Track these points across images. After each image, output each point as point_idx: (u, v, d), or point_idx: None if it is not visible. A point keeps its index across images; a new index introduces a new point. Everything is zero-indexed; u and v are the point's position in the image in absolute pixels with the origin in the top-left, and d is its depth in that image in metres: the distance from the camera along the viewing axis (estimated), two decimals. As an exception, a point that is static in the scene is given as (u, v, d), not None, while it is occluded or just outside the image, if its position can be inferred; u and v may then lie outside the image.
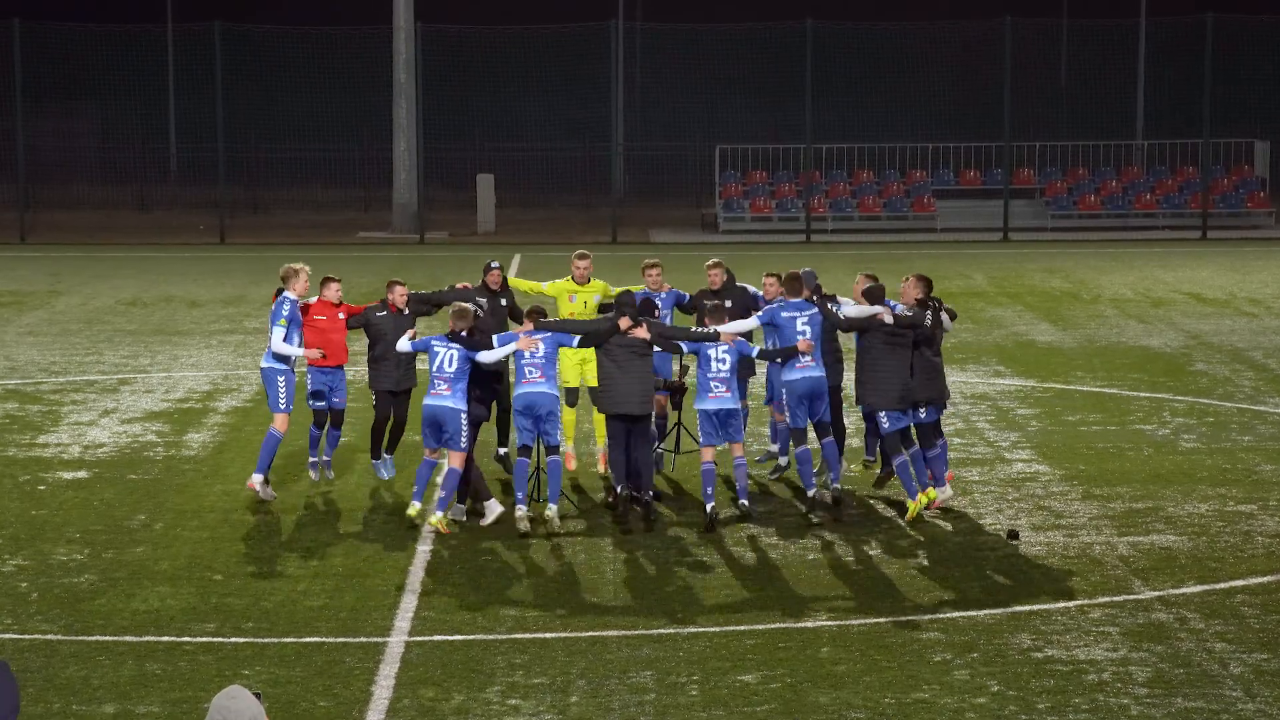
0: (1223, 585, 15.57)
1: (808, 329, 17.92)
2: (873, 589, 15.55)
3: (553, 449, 17.43)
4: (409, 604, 15.10)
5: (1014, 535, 17.17)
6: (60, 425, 22.90)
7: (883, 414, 17.71)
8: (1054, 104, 62.55)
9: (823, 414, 17.92)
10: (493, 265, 19.64)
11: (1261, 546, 16.89)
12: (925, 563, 16.35)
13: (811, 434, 18.43)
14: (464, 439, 17.17)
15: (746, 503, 17.76)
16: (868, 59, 57.22)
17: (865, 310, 17.88)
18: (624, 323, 17.55)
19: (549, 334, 17.59)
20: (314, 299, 18.81)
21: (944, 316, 18.17)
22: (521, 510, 17.34)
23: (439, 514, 17.28)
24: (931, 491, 17.80)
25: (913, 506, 17.62)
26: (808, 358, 17.87)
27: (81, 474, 20.12)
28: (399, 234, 51.26)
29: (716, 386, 17.60)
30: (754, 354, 18.01)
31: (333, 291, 18.87)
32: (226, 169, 51.89)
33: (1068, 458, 20.63)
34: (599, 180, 57.26)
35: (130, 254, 47.06)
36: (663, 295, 19.51)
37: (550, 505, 17.36)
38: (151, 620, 14.66)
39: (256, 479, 18.36)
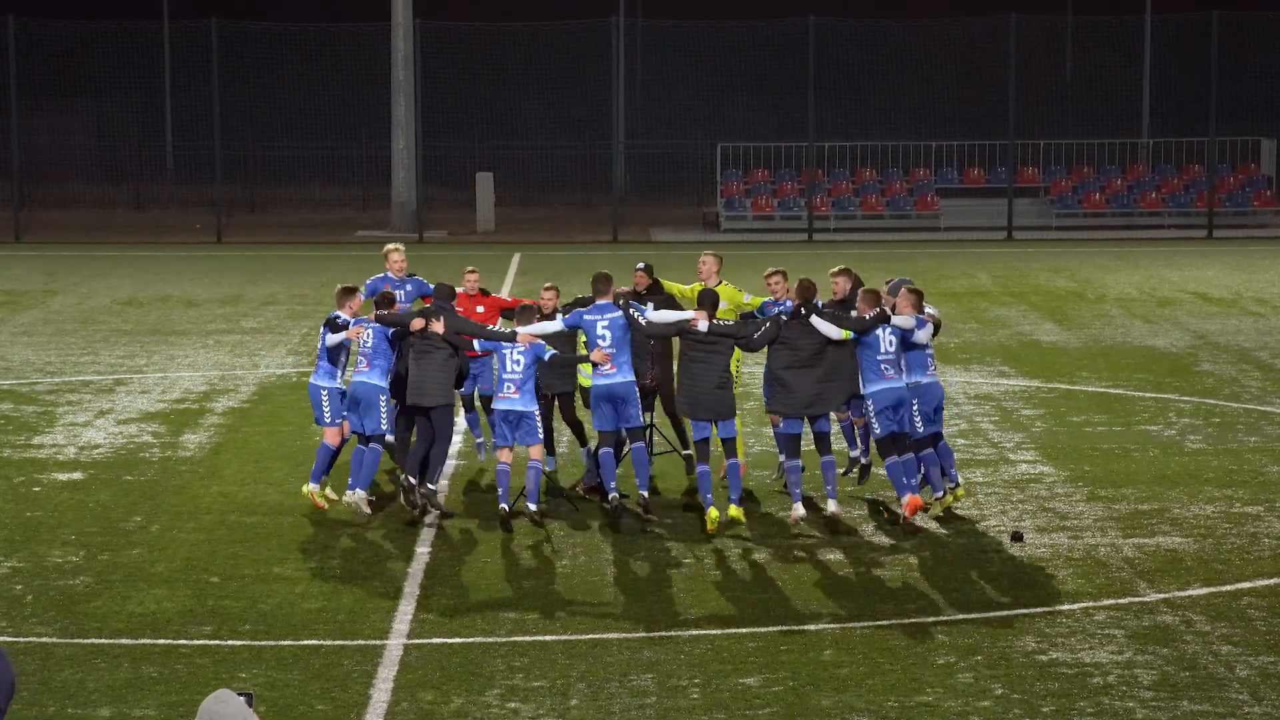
0: (1229, 587, 15.51)
1: (607, 334, 17.57)
2: (875, 591, 15.49)
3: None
4: (407, 607, 15.04)
5: (1018, 537, 17.10)
6: (55, 426, 22.82)
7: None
8: (1059, 102, 62.47)
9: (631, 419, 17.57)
10: (639, 266, 19.24)
11: (1268, 548, 16.82)
12: (928, 565, 16.29)
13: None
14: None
15: (534, 506, 17.37)
16: (871, 56, 57.13)
17: (673, 316, 17.63)
18: (415, 324, 17.55)
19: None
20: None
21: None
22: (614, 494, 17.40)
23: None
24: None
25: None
26: (607, 365, 17.58)
27: (77, 475, 20.04)
28: (397, 233, 51.12)
29: (508, 387, 17.49)
30: (547, 357, 17.69)
31: (471, 282, 19.02)
32: (223, 167, 51.83)
33: (1072, 459, 20.55)
34: (599, 179, 57.19)
35: (126, 253, 47.01)
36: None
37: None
38: (147, 623, 14.61)
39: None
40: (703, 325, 17.41)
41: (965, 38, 59.81)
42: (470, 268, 20.35)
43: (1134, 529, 17.48)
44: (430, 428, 17.73)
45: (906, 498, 17.25)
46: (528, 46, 57.99)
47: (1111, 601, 15.09)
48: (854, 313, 17.73)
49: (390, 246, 20.18)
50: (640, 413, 17.68)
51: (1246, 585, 15.57)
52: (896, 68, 59.31)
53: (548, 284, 19.57)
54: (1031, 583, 15.68)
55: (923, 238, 50.82)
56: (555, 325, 17.87)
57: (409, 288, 19.87)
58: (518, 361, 17.50)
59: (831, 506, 17.49)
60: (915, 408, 17.54)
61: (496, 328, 18.30)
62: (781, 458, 18.06)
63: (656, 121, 62.28)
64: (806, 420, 17.60)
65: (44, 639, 14.18)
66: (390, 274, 19.85)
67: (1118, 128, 57.12)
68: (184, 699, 12.75)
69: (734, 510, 17.35)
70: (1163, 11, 57.72)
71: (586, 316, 17.72)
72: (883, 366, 17.39)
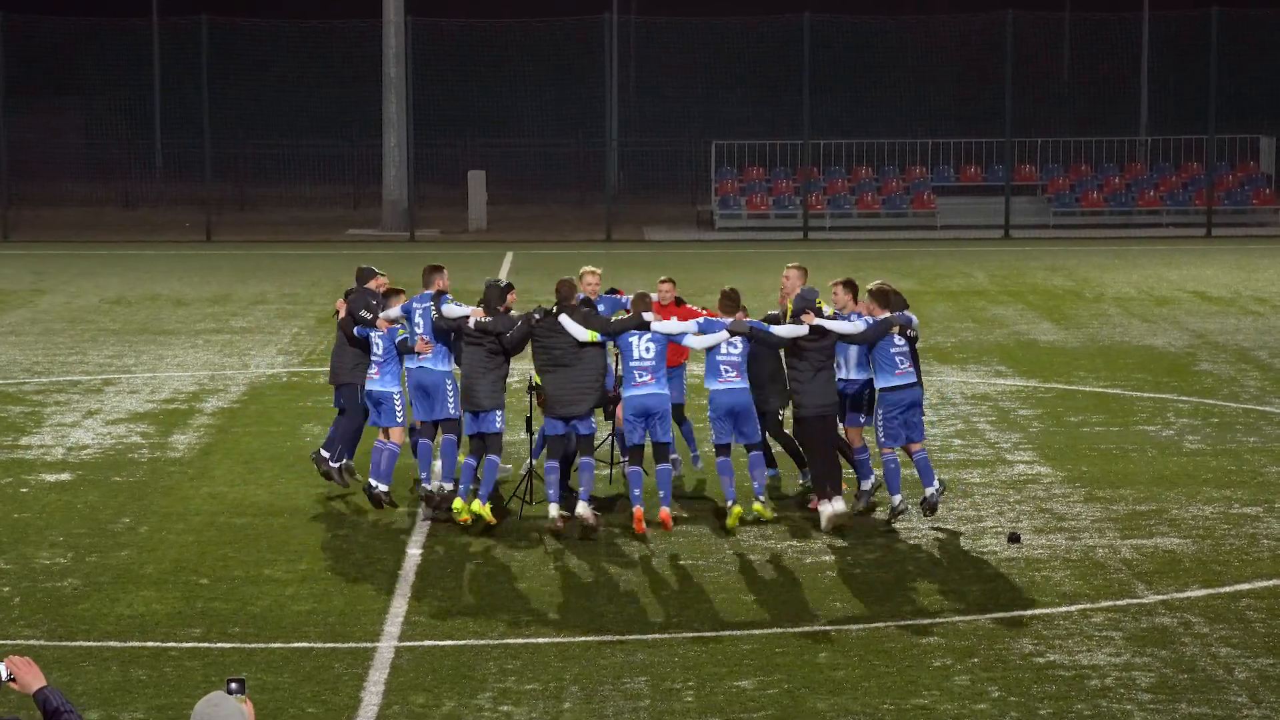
0: (1228, 589, 15.47)
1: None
2: (871, 593, 15.43)
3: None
4: (399, 609, 14.99)
5: (1015, 538, 17.04)
6: (43, 426, 22.72)
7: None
8: (1056, 99, 62.37)
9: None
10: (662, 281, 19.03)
11: (1267, 549, 16.77)
12: (925, 566, 16.25)
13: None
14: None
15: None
16: (866, 53, 57.03)
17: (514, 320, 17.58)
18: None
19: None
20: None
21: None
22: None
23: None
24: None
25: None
26: (424, 356, 17.57)
27: (65, 476, 19.95)
28: (389, 231, 51.03)
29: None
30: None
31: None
32: (213, 165, 51.68)
33: (1070, 459, 20.48)
34: (593, 177, 57.07)
35: (115, 252, 46.89)
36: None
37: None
38: (136, 625, 14.55)
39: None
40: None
41: (962, 34, 59.72)
42: (590, 268, 19.00)
43: (1132, 530, 17.41)
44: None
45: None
46: (520, 43, 57.87)
47: (1109, 603, 15.04)
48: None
49: (586, 269, 18.76)
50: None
51: (1245, 587, 15.52)
52: (892, 64, 59.22)
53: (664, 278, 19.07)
54: (1029, 584, 15.62)
55: (919, 236, 50.76)
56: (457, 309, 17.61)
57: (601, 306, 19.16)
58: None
59: (581, 509, 17.16)
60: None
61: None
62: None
63: (650, 119, 62.13)
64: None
65: (31, 641, 14.09)
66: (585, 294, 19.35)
67: (1116, 125, 57.04)
68: (173, 702, 12.68)
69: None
70: (1161, 8, 57.62)
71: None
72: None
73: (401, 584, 15.67)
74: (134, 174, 59.52)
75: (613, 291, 18.92)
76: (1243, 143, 54.10)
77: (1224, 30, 50.78)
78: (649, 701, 12.75)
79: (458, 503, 17.27)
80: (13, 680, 7.86)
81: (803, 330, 17.27)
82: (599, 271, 18.68)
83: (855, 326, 17.40)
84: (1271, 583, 15.65)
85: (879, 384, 17.46)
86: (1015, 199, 51.64)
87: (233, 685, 7.67)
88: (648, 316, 17.19)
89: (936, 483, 17.49)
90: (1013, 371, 26.73)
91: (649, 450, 17.84)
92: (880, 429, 17.49)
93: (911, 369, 17.43)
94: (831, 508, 17.29)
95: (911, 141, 54.07)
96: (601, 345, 17.26)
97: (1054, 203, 53.02)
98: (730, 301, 17.57)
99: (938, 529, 17.47)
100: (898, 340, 17.39)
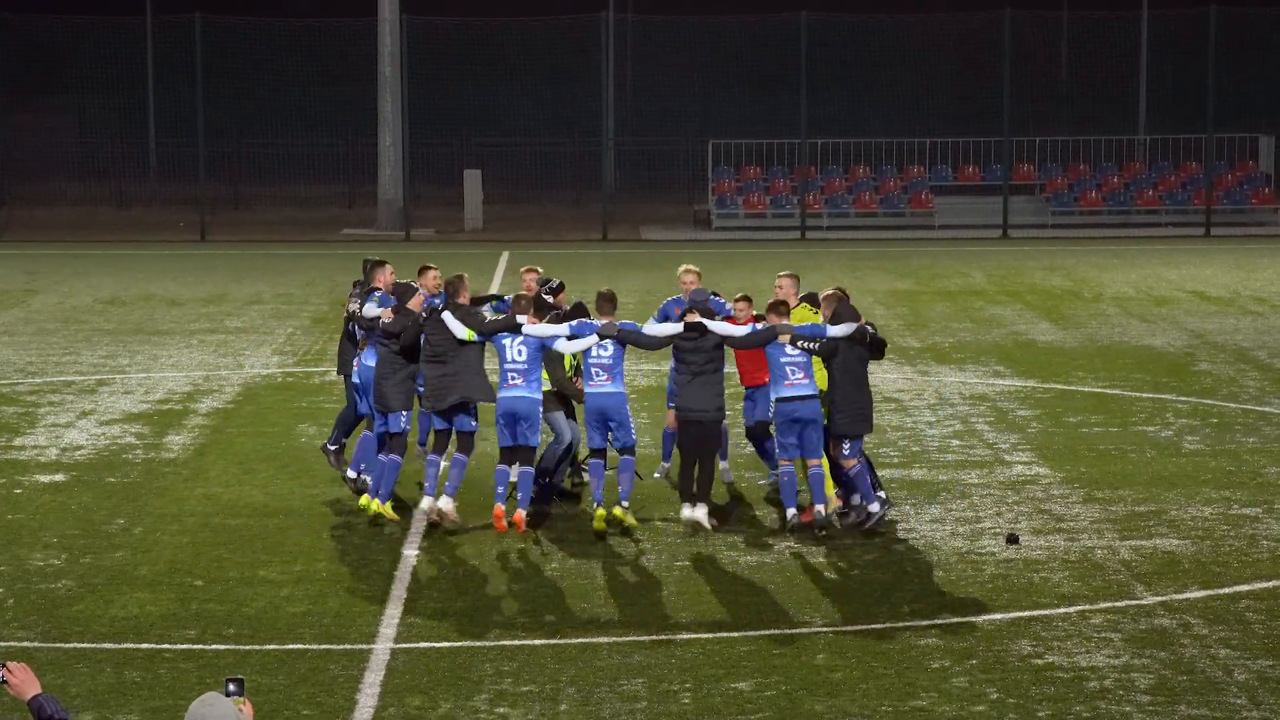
0: (1227, 590, 15.42)
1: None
2: (869, 595, 15.38)
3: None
4: (394, 610, 14.94)
5: (1014, 539, 16.98)
6: (37, 427, 22.65)
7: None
8: (1055, 98, 62.32)
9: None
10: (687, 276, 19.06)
11: (1267, 550, 16.72)
12: (923, 568, 16.21)
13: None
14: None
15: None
16: (864, 52, 56.97)
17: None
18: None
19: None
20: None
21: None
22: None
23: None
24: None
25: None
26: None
27: (59, 477, 19.88)
28: (384, 231, 50.95)
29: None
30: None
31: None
32: (207, 165, 51.60)
33: (1069, 460, 20.42)
34: (589, 176, 57.01)
35: (109, 252, 46.83)
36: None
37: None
38: (130, 627, 14.49)
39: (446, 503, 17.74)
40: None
41: (960, 33, 59.66)
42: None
43: (1131, 531, 17.36)
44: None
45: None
46: (516, 42, 57.79)
47: (1108, 604, 14.99)
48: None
49: (685, 268, 18.87)
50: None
51: (1245, 588, 15.47)
52: (890, 63, 59.16)
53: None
54: (1027, 585, 15.57)
55: (917, 236, 50.71)
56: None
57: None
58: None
59: (443, 503, 17.26)
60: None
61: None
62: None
63: (647, 118, 62.07)
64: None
65: (25, 643, 14.03)
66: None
67: (1114, 124, 56.99)
68: (168, 704, 12.63)
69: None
70: (1160, 7, 57.54)
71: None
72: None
73: (397, 585, 15.61)
74: (128, 173, 59.42)
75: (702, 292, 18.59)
76: (1242, 142, 54.06)
77: (1223, 29, 50.73)
78: (646, 703, 12.70)
79: (364, 499, 17.64)
80: (5, 683, 7.81)
81: (677, 329, 17.17)
82: (697, 271, 18.70)
83: (736, 330, 17.15)
84: (1271, 584, 15.60)
85: (772, 394, 17.28)
86: (1013, 198, 51.59)
87: (231, 686, 7.63)
88: (520, 319, 17.23)
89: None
90: (1011, 372, 26.68)
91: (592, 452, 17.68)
92: (775, 440, 17.38)
93: (805, 380, 16.98)
94: (690, 513, 17.02)
95: (909, 141, 54.01)
96: (480, 344, 17.40)
97: (1052, 202, 52.97)
98: (607, 303, 17.55)
99: (936, 530, 17.41)
100: (789, 350, 17.06)
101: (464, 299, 17.56)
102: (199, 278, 39.94)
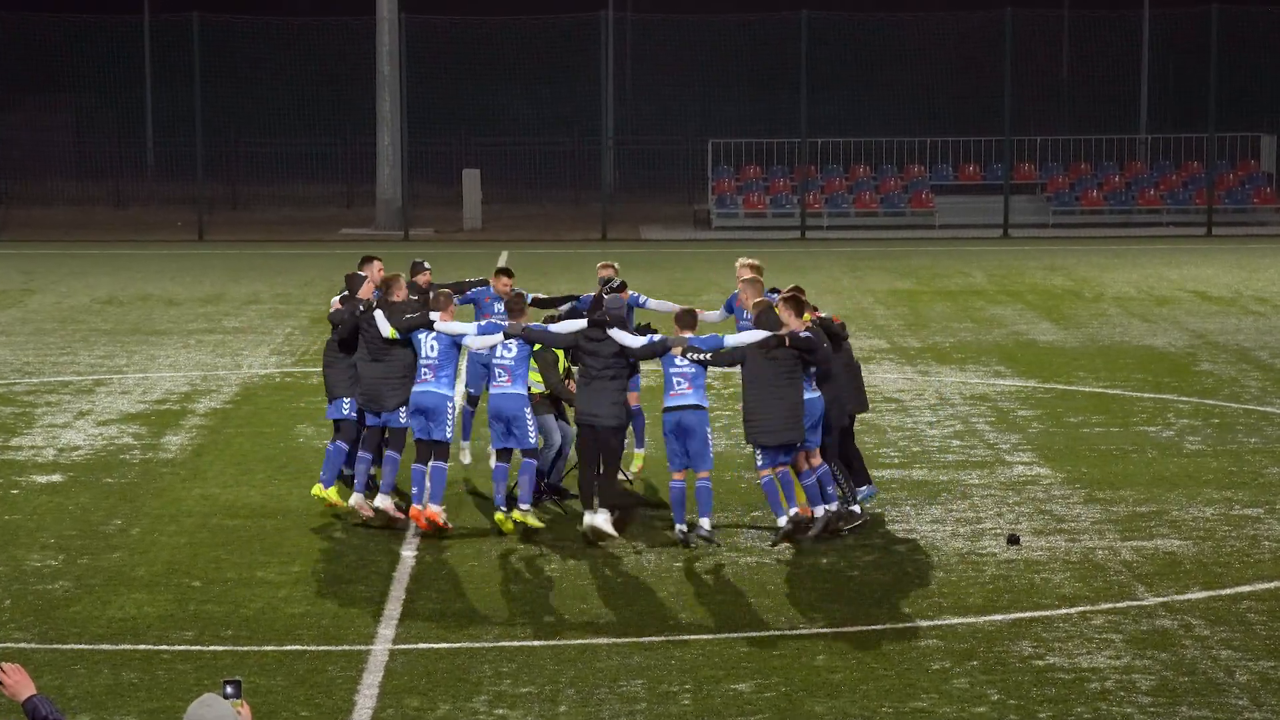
0: (1228, 591, 15.39)
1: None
2: (869, 595, 15.34)
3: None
4: (393, 611, 14.90)
5: (1014, 540, 16.95)
6: (34, 427, 22.59)
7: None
8: (1056, 97, 62.28)
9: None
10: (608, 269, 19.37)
11: (1268, 551, 16.68)
12: (923, 569, 16.17)
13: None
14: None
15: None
16: (864, 50, 56.90)
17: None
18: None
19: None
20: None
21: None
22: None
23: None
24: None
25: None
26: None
27: (56, 477, 19.83)
28: (383, 231, 50.87)
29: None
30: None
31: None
32: (205, 164, 51.52)
33: (1070, 460, 20.38)
34: (588, 175, 56.96)
35: (106, 251, 46.75)
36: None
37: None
38: (128, 628, 14.46)
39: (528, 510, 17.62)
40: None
41: (961, 32, 59.58)
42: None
43: (1132, 531, 17.32)
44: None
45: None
46: (515, 41, 57.71)
47: (1109, 605, 14.95)
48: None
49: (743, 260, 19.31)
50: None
51: (1246, 589, 15.44)
52: (891, 62, 59.11)
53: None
54: (1028, 586, 15.53)
55: (917, 235, 50.66)
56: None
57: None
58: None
59: (378, 501, 17.34)
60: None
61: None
62: None
63: (646, 117, 61.99)
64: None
65: (22, 644, 14.00)
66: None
67: (1116, 124, 56.92)
68: (165, 705, 12.61)
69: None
70: (1161, 5, 57.49)
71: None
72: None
73: (396, 586, 15.58)
74: (125, 172, 59.34)
75: (773, 290, 18.49)
76: (1243, 141, 53.99)
77: (1224, 27, 50.67)
78: (645, 705, 12.67)
79: (318, 489, 17.83)
80: (0, 684, 7.77)
81: (580, 325, 17.16)
82: (614, 265, 19.19)
83: (633, 341, 16.97)
84: (1273, 585, 15.56)
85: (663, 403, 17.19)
86: (1014, 198, 51.53)
87: (229, 689, 7.60)
88: (433, 315, 17.34)
89: (708, 522, 16.83)
90: (1012, 372, 26.63)
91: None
92: (667, 448, 17.28)
93: (691, 391, 16.78)
94: (590, 519, 16.91)
95: (910, 140, 53.94)
96: (405, 342, 17.46)
97: (1053, 202, 52.91)
98: (516, 304, 17.61)
99: (937, 530, 17.37)
100: (678, 361, 16.87)
101: (398, 297, 17.74)
102: (197, 277, 39.88)
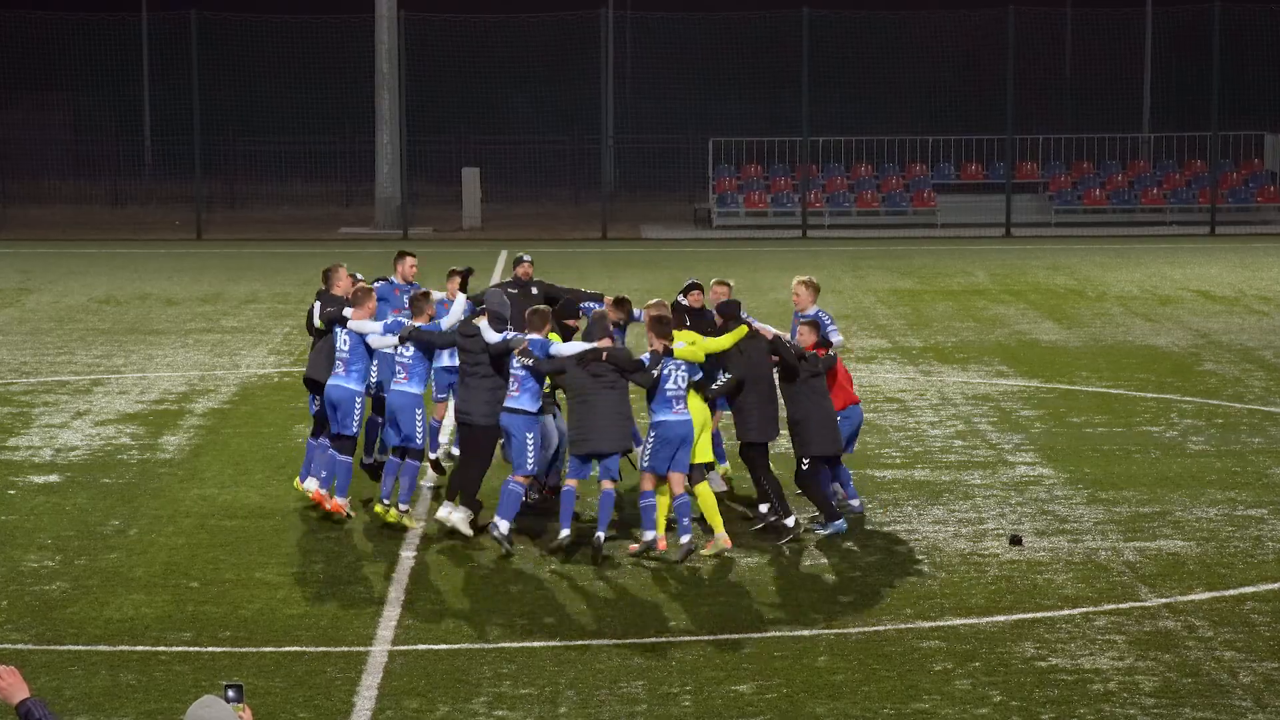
0: (1232, 592, 15.36)
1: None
2: (871, 596, 15.31)
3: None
4: (392, 612, 14.88)
5: (1017, 540, 16.91)
6: (31, 427, 22.54)
7: None
8: (1058, 96, 62.25)
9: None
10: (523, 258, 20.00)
11: (1272, 552, 16.64)
12: (925, 569, 16.11)
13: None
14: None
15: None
16: (866, 48, 56.88)
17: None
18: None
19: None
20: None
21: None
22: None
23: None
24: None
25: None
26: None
27: (53, 478, 19.79)
28: (382, 229, 50.81)
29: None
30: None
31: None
32: (203, 163, 51.45)
33: (1072, 460, 20.33)
34: (588, 174, 56.94)
35: (103, 250, 46.69)
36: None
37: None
38: (125, 629, 14.42)
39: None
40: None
41: (963, 30, 59.56)
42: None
43: (1135, 532, 17.27)
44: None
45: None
46: (515, 39, 57.69)
47: (1112, 606, 14.92)
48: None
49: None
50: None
51: (1250, 590, 15.41)
52: (893, 60, 59.09)
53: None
54: (1030, 587, 15.49)
55: (919, 234, 50.60)
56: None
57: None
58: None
59: (309, 484, 17.85)
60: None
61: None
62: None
63: (647, 115, 61.93)
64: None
65: (19, 646, 13.97)
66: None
67: (1118, 122, 56.87)
68: (163, 707, 12.59)
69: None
70: (1164, 3, 57.48)
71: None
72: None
73: (395, 587, 15.55)
74: (123, 171, 59.32)
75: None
76: (1247, 140, 53.95)
77: (1227, 26, 50.62)
78: (646, 706, 12.64)
79: (299, 484, 18.16)
80: None
81: (459, 316, 17.23)
82: (529, 260, 20.14)
83: (492, 336, 16.80)
84: (1276, 586, 15.53)
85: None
86: (1017, 197, 51.48)
87: (230, 693, 7.55)
88: (346, 312, 17.62)
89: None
90: (1014, 371, 26.58)
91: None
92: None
93: (518, 394, 16.64)
94: (444, 512, 16.89)
95: (912, 138, 53.90)
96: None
97: (1056, 200, 52.86)
98: (419, 304, 17.67)
99: (939, 531, 17.33)
100: (514, 362, 16.88)
101: (338, 290, 18.06)
102: (194, 277, 39.83)
